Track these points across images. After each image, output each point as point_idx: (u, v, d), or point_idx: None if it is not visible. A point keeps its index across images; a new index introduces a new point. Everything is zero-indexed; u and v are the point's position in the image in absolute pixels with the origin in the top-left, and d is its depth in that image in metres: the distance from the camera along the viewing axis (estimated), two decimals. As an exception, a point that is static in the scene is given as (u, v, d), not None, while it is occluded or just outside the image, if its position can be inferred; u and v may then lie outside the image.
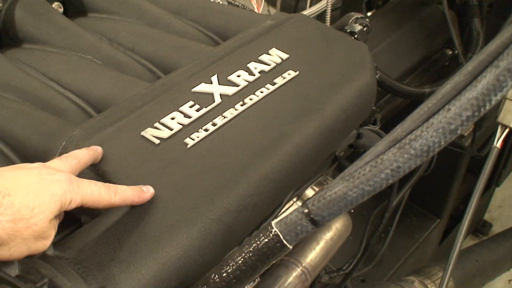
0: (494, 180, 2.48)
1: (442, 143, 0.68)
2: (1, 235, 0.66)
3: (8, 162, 0.94)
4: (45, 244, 0.71)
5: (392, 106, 1.78)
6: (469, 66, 0.68)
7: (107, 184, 0.78)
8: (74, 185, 0.73)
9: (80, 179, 0.76)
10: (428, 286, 1.35)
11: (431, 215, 2.20)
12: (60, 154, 0.87)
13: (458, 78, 0.69)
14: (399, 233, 1.99)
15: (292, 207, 1.12)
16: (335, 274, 1.39)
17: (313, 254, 1.07)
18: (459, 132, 0.67)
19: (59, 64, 1.08)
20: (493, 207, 2.80)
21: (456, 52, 1.87)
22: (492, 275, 1.69)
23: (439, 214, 2.19)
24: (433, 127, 0.67)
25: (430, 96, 0.71)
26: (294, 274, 1.04)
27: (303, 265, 1.05)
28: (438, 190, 2.15)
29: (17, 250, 0.69)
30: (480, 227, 2.70)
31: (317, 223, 0.72)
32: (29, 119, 0.97)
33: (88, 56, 1.10)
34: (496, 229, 2.67)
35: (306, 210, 0.72)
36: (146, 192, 0.81)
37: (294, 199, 1.13)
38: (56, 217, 0.72)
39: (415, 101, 1.92)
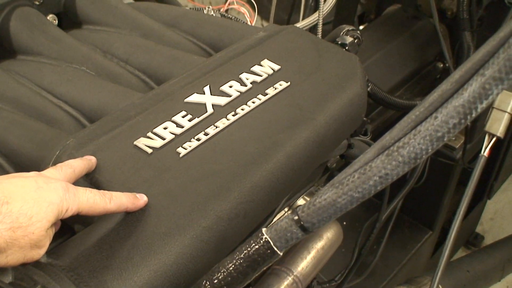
0: (486, 193, 2.49)
1: (430, 150, 0.69)
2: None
3: (2, 171, 0.95)
4: (39, 253, 0.72)
5: (383, 118, 1.80)
6: (456, 75, 0.70)
7: (102, 191, 0.79)
8: (70, 193, 0.74)
9: (76, 187, 0.76)
10: (419, 296, 1.36)
11: (423, 227, 2.21)
12: (54, 163, 0.87)
13: (445, 86, 0.70)
14: (391, 244, 2.00)
15: (283, 217, 1.12)
16: (327, 285, 1.39)
17: (304, 263, 1.08)
18: (445, 139, 0.68)
19: (53, 75, 1.09)
20: (485, 220, 2.81)
21: (447, 65, 1.89)
22: (483, 285, 1.70)
23: (431, 226, 2.20)
24: (420, 135, 0.68)
25: (418, 105, 0.73)
26: (285, 283, 1.05)
27: (294, 273, 1.06)
28: (430, 202, 2.16)
29: (13, 258, 0.69)
30: (472, 239, 2.71)
31: (307, 230, 0.73)
32: (23, 129, 0.98)
33: (82, 67, 1.11)
34: (488, 241, 2.68)
35: (296, 217, 0.73)
36: (139, 199, 0.82)
37: (286, 209, 1.14)
38: (52, 226, 0.73)
39: (407, 113, 1.93)
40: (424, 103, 0.71)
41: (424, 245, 2.18)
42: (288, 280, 1.05)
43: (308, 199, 1.17)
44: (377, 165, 0.70)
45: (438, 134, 0.68)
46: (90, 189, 0.78)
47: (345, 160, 1.22)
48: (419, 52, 1.92)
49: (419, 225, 2.21)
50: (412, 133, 0.69)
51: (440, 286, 1.42)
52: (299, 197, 1.16)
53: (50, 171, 0.79)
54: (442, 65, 1.97)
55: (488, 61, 0.66)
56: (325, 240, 1.13)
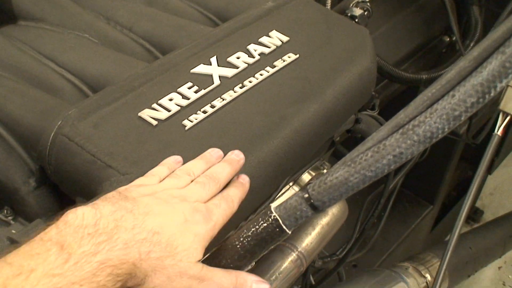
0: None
1: (446, 129, 0.67)
2: (148, 271, 0.66)
3: (1, 140, 0.93)
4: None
5: (388, 91, 1.77)
6: (475, 52, 0.67)
7: (223, 195, 0.77)
8: (211, 223, 0.72)
9: (210, 209, 0.74)
10: (422, 273, 1.35)
11: (424, 201, 2.20)
12: (56, 134, 0.85)
13: (463, 63, 0.68)
14: (391, 219, 1.99)
15: (288, 191, 1.11)
16: (328, 259, 1.38)
17: (309, 239, 1.07)
18: (463, 118, 0.66)
19: (55, 42, 1.07)
20: (484, 195, 2.80)
21: (454, 39, 1.86)
22: (484, 262, 1.69)
23: (432, 201, 2.19)
24: (437, 113, 0.66)
25: (434, 81, 0.70)
26: (289, 259, 1.04)
27: (298, 250, 1.05)
28: (432, 176, 2.15)
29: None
30: (471, 214, 2.71)
31: (317, 208, 0.72)
32: (24, 97, 0.96)
33: (85, 34, 1.09)
34: (487, 216, 2.68)
35: (306, 195, 0.72)
36: (244, 183, 0.81)
37: (291, 184, 1.12)
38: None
39: (412, 87, 1.91)
40: (441, 80, 0.69)
41: (424, 220, 2.17)
42: (293, 256, 1.04)
43: (313, 173, 1.15)
44: (391, 144, 0.68)
45: (456, 113, 0.66)
46: (217, 202, 0.76)
47: (351, 134, 1.20)
48: (426, 26, 1.89)
49: (419, 200, 2.20)
50: (428, 112, 0.67)
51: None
52: (304, 172, 1.14)
53: (196, 192, 0.76)
54: (448, 39, 1.93)
55: (509, 38, 0.64)
56: (330, 216, 1.11)
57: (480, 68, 0.65)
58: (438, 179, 2.14)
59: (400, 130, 0.68)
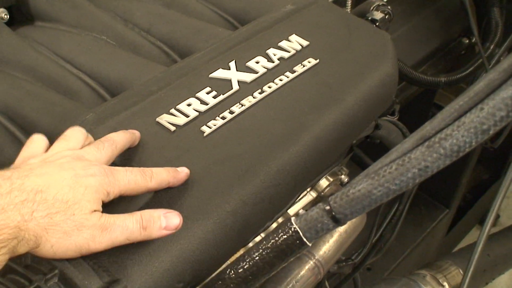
0: (503, 171, 2.46)
1: (473, 143, 0.65)
2: (37, 231, 0.65)
3: (17, 144, 0.92)
4: (99, 241, 0.69)
5: (406, 94, 1.75)
6: (505, 64, 0.66)
7: (142, 169, 0.76)
8: (110, 178, 0.72)
9: (115, 168, 0.74)
10: (440, 281, 1.33)
11: (439, 205, 2.18)
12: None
13: (492, 75, 0.66)
14: (407, 222, 1.97)
15: (305, 197, 1.09)
16: (343, 263, 1.37)
17: (327, 247, 1.05)
18: (491, 132, 0.64)
19: (73, 43, 1.05)
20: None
21: (473, 41, 1.84)
22: (502, 269, 1.67)
23: (448, 205, 2.16)
24: (464, 127, 0.64)
25: (462, 93, 0.69)
26: (307, 267, 1.02)
27: (316, 257, 1.03)
28: (448, 180, 2.12)
29: (60, 246, 0.67)
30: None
31: (338, 221, 0.70)
32: (40, 100, 0.95)
33: (102, 36, 1.07)
34: (503, 219, 2.65)
35: (327, 207, 0.70)
36: (180, 172, 0.79)
37: (308, 189, 1.10)
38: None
39: (428, 90, 1.89)
40: (469, 92, 0.67)
41: (439, 224, 2.15)
42: (310, 264, 1.02)
43: (331, 179, 1.13)
44: (417, 157, 0.66)
45: (484, 127, 0.64)
46: (131, 168, 0.75)
47: (370, 140, 1.18)
48: (445, 27, 1.86)
49: (435, 203, 2.18)
50: (456, 125, 0.65)
51: (460, 270, 1.40)
52: (322, 177, 1.12)
53: (90, 152, 0.76)
54: (467, 41, 1.91)
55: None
56: (348, 224, 1.09)
57: (510, 81, 0.63)
58: (454, 182, 2.12)
59: (426, 143, 0.66)
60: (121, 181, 0.73)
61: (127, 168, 0.75)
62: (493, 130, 0.64)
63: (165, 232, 0.72)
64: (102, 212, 0.70)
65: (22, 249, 0.65)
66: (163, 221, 0.72)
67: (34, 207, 0.65)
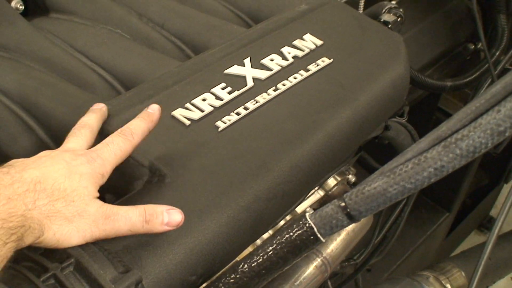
0: (503, 177, 2.47)
1: (489, 144, 0.66)
2: (41, 219, 0.66)
3: (32, 133, 0.92)
4: (103, 228, 0.70)
5: (411, 97, 1.76)
6: (522, 67, 0.66)
7: (120, 131, 0.78)
8: (98, 160, 0.74)
9: (98, 148, 0.76)
10: (443, 282, 1.34)
11: (440, 208, 2.19)
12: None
13: (509, 78, 0.67)
14: (407, 224, 1.98)
15: (313, 195, 1.10)
16: (346, 263, 1.37)
17: (334, 245, 1.06)
18: (507, 134, 0.65)
19: (87, 36, 1.06)
20: (499, 203, 2.78)
21: (479, 46, 1.85)
22: (503, 273, 1.68)
23: (449, 208, 2.18)
24: (481, 128, 0.65)
25: (477, 97, 0.70)
26: (314, 264, 1.03)
27: (323, 255, 1.04)
28: (450, 184, 2.13)
29: (63, 233, 0.68)
30: (486, 222, 2.69)
31: (353, 218, 0.71)
32: (55, 91, 0.95)
33: (117, 29, 1.08)
34: (504, 224, 2.65)
35: (343, 204, 0.71)
36: (153, 112, 0.81)
37: (316, 188, 1.11)
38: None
39: (433, 94, 1.90)
40: (485, 94, 0.68)
41: (440, 227, 2.16)
42: (317, 261, 1.03)
43: (338, 178, 1.14)
44: (433, 156, 0.67)
45: (500, 128, 0.65)
46: (109, 139, 0.77)
47: (379, 141, 1.19)
48: (451, 32, 1.87)
49: (436, 206, 2.19)
50: (472, 126, 0.66)
51: (463, 273, 1.41)
52: (330, 176, 1.13)
53: (71, 142, 0.78)
54: (473, 47, 1.92)
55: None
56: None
57: (527, 84, 0.64)
58: (456, 186, 2.12)
59: (442, 143, 0.67)
60: (108, 157, 0.75)
61: (107, 141, 0.77)
62: (509, 132, 0.65)
63: (166, 228, 0.72)
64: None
65: (28, 239, 0.66)
66: (166, 216, 0.72)
67: (36, 196, 0.66)
